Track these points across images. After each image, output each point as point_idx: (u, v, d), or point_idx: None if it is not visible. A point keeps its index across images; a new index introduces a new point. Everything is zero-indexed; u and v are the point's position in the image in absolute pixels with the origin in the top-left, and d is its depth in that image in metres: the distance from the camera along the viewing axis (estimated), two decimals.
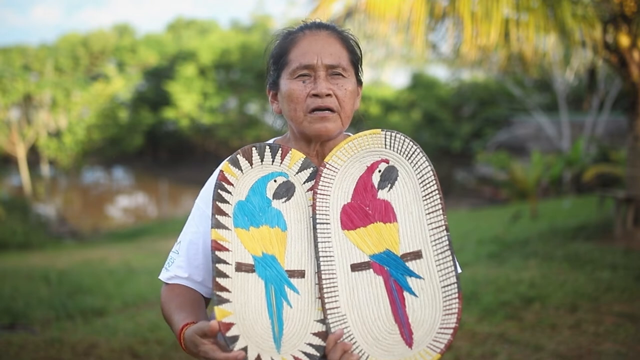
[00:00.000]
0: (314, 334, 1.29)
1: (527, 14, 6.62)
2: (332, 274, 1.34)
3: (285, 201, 1.40)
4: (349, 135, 1.48)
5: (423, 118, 25.59)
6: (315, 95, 1.39)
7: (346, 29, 1.52)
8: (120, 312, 5.30)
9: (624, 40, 6.67)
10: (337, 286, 1.33)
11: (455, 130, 24.70)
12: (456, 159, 24.63)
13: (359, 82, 1.50)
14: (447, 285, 1.31)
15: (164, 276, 1.51)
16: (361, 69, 1.51)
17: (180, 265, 1.49)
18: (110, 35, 33.38)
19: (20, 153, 20.69)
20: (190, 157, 30.16)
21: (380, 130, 1.43)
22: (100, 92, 25.13)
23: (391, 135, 1.42)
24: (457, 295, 1.29)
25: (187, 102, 26.69)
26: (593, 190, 13.01)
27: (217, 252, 1.29)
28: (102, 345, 4.05)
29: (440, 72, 32.10)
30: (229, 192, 1.36)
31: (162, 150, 31.96)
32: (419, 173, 1.39)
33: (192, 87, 26.72)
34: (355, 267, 1.35)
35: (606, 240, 6.98)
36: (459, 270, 1.50)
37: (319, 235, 1.36)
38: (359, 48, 1.50)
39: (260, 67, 26.20)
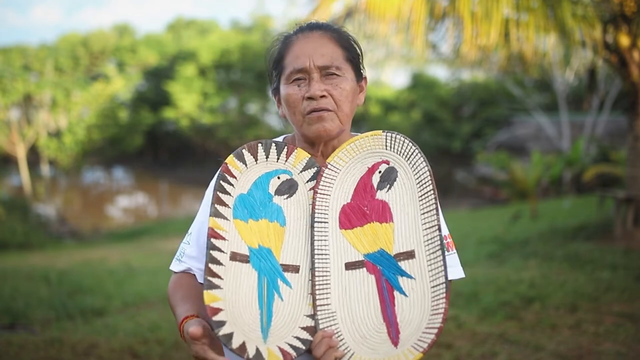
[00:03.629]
0: (303, 328, 1.31)
1: (527, 14, 6.62)
2: (326, 271, 1.36)
3: (287, 198, 1.42)
4: (356, 135, 1.49)
5: (423, 118, 25.58)
6: (310, 98, 1.40)
7: (342, 27, 1.52)
8: (120, 312, 5.30)
9: (624, 40, 6.67)
10: (329, 283, 1.35)
11: (455, 130, 24.70)
12: (456, 159, 24.63)
13: (361, 77, 1.49)
14: (436, 286, 1.31)
15: (175, 267, 1.52)
16: (362, 64, 1.50)
17: (191, 255, 1.50)
18: (110, 35, 33.37)
19: (20, 153, 20.69)
20: (190, 157, 30.16)
21: (381, 131, 1.45)
22: (100, 92, 25.12)
23: (392, 137, 1.43)
24: (444, 295, 1.29)
25: (187, 102, 26.69)
26: (593, 190, 13.01)
27: (212, 240, 1.32)
28: (102, 345, 4.05)
29: (440, 72, 32.08)
30: (231, 185, 1.39)
31: (162, 150, 31.96)
32: (416, 173, 1.41)
33: (192, 87, 26.72)
34: (350, 266, 1.37)
35: (606, 240, 6.97)
36: (462, 275, 1.50)
37: (315, 233, 1.38)
38: (357, 44, 1.50)
39: (260, 67, 26.23)
